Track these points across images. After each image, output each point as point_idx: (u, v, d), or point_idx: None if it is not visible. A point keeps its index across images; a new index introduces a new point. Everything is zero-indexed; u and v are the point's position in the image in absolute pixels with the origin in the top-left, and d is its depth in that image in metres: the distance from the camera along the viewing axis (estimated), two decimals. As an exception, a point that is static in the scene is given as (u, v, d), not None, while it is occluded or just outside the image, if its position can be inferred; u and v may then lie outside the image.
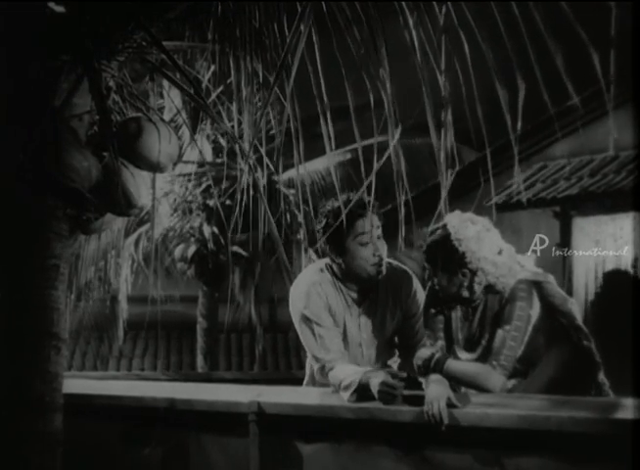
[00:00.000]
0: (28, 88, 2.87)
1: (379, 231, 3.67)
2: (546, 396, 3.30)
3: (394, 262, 3.82)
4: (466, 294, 3.41)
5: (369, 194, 2.92)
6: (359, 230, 3.63)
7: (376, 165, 2.75)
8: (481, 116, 2.54)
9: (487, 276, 3.38)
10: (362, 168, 2.80)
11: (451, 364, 3.36)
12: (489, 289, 3.41)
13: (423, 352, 3.43)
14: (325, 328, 3.67)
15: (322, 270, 3.77)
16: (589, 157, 10.10)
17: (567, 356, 3.46)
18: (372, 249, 3.64)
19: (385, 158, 2.73)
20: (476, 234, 3.38)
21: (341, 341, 3.70)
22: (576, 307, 3.49)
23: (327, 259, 3.78)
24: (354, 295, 3.76)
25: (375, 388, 3.34)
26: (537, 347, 3.41)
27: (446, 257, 3.38)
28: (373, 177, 2.77)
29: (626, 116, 4.33)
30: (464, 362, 3.41)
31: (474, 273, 3.37)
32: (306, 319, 3.69)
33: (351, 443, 3.47)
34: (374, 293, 3.77)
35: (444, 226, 3.39)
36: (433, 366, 3.35)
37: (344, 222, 3.52)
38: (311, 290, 3.71)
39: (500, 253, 3.41)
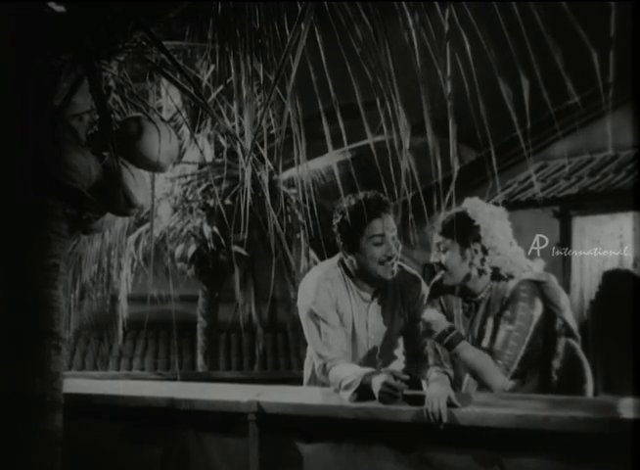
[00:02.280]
0: (28, 88, 2.87)
1: (394, 233, 3.67)
2: (546, 396, 3.30)
3: (405, 266, 3.83)
4: (475, 273, 3.41)
5: (386, 194, 2.91)
6: (374, 231, 3.64)
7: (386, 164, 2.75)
8: (484, 115, 2.54)
9: (497, 257, 3.40)
10: (369, 169, 2.81)
11: (464, 349, 3.35)
12: (495, 274, 3.42)
13: (441, 323, 3.40)
14: (331, 326, 3.67)
15: (335, 267, 3.77)
16: (589, 156, 10.11)
17: (559, 360, 3.47)
18: (384, 249, 3.64)
19: (415, 153, 2.72)
20: (491, 213, 3.45)
21: (344, 340, 3.70)
22: (569, 304, 3.50)
23: (340, 255, 3.78)
24: (364, 293, 3.76)
25: (376, 388, 3.34)
26: (538, 347, 3.41)
27: (461, 228, 3.40)
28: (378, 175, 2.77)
29: (626, 115, 4.33)
30: (476, 351, 3.38)
31: (485, 251, 3.40)
32: (313, 315, 3.69)
33: (351, 443, 3.47)
34: (383, 293, 3.78)
35: (461, 205, 3.44)
36: (446, 342, 3.35)
37: (360, 221, 3.55)
38: (321, 286, 3.71)
39: (511, 244, 3.44)
